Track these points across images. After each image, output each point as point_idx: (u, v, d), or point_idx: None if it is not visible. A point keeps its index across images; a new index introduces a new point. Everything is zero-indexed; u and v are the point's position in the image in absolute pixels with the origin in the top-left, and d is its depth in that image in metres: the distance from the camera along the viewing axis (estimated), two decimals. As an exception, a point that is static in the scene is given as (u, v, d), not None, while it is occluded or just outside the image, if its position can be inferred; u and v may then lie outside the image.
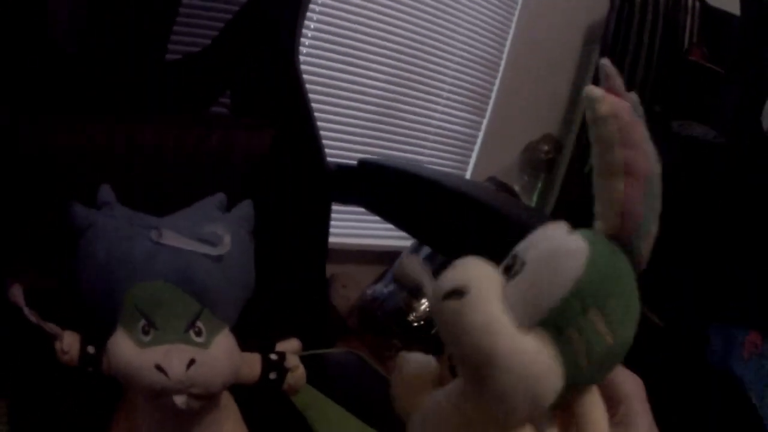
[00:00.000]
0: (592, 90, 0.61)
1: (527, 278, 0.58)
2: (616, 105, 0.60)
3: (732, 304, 2.66)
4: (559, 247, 0.58)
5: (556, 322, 0.55)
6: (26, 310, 0.95)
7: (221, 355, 0.91)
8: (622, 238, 0.60)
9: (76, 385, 1.00)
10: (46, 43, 1.28)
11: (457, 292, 0.55)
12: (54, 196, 1.08)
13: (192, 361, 0.85)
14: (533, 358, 0.54)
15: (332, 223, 1.66)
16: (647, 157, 0.61)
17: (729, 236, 2.85)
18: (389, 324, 3.00)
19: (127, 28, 1.38)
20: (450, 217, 1.20)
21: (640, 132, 0.61)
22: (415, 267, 0.65)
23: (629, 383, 0.63)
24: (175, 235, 0.97)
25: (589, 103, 0.61)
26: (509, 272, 0.59)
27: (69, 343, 0.92)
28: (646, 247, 0.61)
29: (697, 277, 2.74)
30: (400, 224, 1.56)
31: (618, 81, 0.63)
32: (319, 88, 3.12)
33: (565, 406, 0.60)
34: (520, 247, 0.61)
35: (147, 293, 0.91)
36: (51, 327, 0.94)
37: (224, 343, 0.93)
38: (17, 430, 1.00)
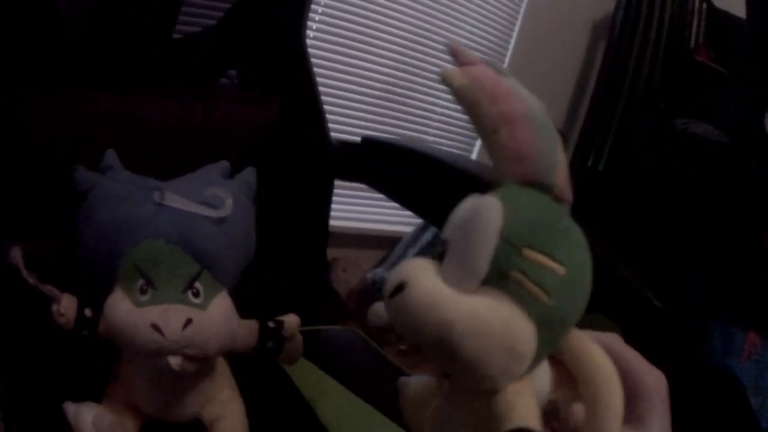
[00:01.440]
0: (445, 70, 0.62)
1: (454, 251, 0.58)
2: (473, 72, 0.61)
3: (732, 302, 2.65)
4: (473, 209, 0.58)
5: (498, 274, 0.55)
6: (25, 272, 0.94)
7: (218, 317, 0.90)
8: (530, 181, 0.60)
9: (72, 351, 1.00)
10: (54, 21, 1.29)
11: (398, 288, 0.56)
12: (58, 167, 1.07)
13: (189, 321, 0.85)
14: (490, 313, 0.54)
15: (334, 206, 1.66)
16: (521, 100, 0.60)
17: (731, 234, 2.85)
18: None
19: (135, 5, 1.39)
20: (455, 195, 1.19)
21: (506, 85, 0.61)
22: (380, 312, 0.65)
23: (651, 378, 0.61)
24: (177, 197, 0.96)
25: (446, 82, 0.62)
26: (442, 257, 0.59)
27: (66, 305, 0.91)
28: (561, 178, 0.61)
29: (700, 274, 2.73)
30: (403, 201, 1.55)
31: (468, 53, 0.64)
32: (325, 71, 3.11)
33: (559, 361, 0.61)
34: (444, 232, 0.61)
35: (146, 253, 0.91)
36: (49, 289, 0.93)
37: (222, 305, 0.93)
38: (11, 397, 0.99)
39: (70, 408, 0.90)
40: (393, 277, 0.59)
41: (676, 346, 1.09)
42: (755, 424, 2.22)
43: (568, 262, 0.56)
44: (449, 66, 0.63)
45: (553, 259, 0.55)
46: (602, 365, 0.59)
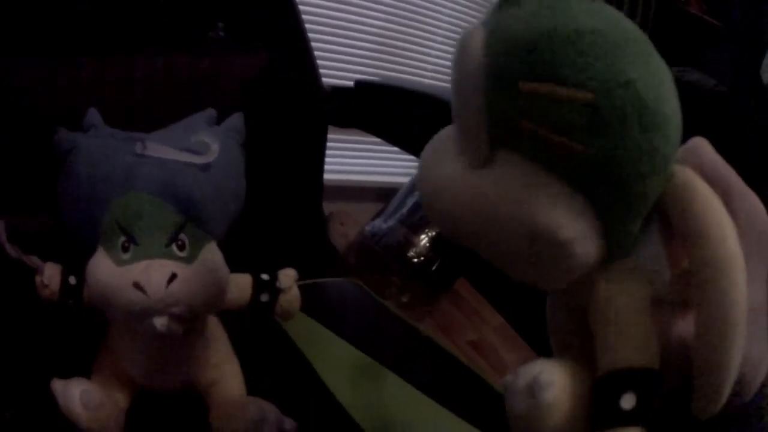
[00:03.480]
0: None
1: (454, 113, 0.47)
2: None
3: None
4: (456, 50, 0.45)
5: (506, 129, 0.42)
6: (7, 246, 0.90)
7: (206, 271, 0.84)
8: None
9: (59, 324, 0.97)
10: None
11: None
12: (42, 132, 1.02)
13: (173, 276, 0.80)
14: (495, 195, 0.43)
15: (329, 160, 1.62)
16: None
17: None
18: (388, 260, 2.95)
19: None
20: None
21: None
22: None
23: (747, 202, 0.47)
24: (159, 146, 0.91)
25: None
26: None
27: (50, 275, 0.87)
28: None
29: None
30: (400, 143, 1.51)
31: None
32: (317, 19, 3.06)
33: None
34: None
35: (126, 207, 0.86)
36: (32, 260, 0.89)
37: (210, 257, 0.87)
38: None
39: (58, 386, 0.84)
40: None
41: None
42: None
43: (593, 79, 0.39)
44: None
45: (565, 82, 0.39)
46: (713, 222, 0.42)
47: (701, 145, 0.50)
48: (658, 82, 0.42)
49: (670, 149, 0.43)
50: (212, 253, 0.88)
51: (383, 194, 3.42)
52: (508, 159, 0.42)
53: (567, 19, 0.41)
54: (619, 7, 2.24)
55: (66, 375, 0.86)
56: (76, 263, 0.88)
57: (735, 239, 0.42)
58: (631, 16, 2.87)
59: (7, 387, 0.93)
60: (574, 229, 0.42)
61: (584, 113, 0.39)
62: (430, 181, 0.47)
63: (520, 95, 0.40)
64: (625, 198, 0.42)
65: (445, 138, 0.48)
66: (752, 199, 0.47)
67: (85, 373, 0.90)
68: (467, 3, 3.60)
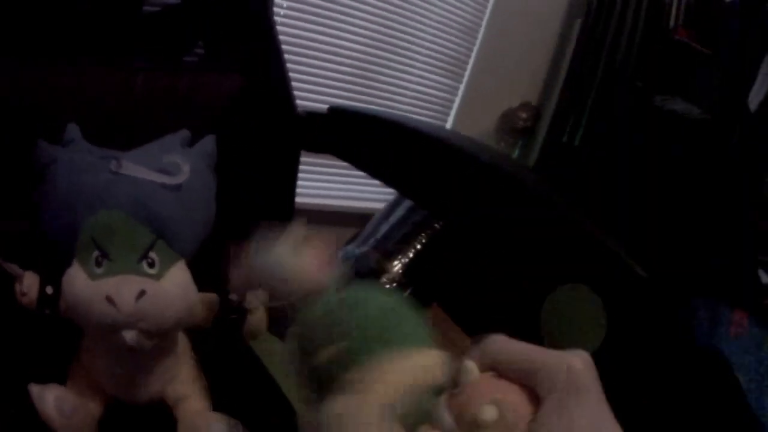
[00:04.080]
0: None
1: None
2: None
3: (717, 279, 2.66)
4: None
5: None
6: None
7: (174, 288, 0.87)
8: None
9: (34, 333, 0.98)
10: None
11: None
12: (21, 140, 1.04)
13: (142, 293, 0.82)
14: None
15: (304, 183, 1.65)
16: None
17: (712, 210, 2.86)
18: (361, 286, 2.96)
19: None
20: (427, 163, 1.16)
21: None
22: None
23: (553, 371, 0.50)
24: (133, 165, 0.93)
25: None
26: None
27: (28, 284, 0.89)
28: None
29: (682, 250, 2.74)
30: (372, 171, 1.53)
31: None
32: (294, 48, 3.07)
33: None
34: None
35: (101, 223, 0.88)
36: (12, 268, 0.91)
37: (178, 275, 0.89)
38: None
39: (34, 390, 0.87)
40: None
41: (659, 318, 1.07)
42: (743, 403, 2.21)
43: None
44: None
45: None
46: None
47: (494, 339, 0.54)
48: None
49: None
50: (181, 271, 0.90)
51: (357, 219, 3.42)
52: None
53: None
54: (604, 34, 2.27)
55: (43, 380, 0.88)
56: (52, 269, 0.90)
57: None
58: (616, 42, 2.92)
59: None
60: None
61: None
62: None
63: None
64: None
65: None
66: (551, 364, 0.51)
67: (62, 379, 0.92)
68: (448, 29, 3.62)
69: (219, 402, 0.99)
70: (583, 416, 0.48)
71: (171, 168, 0.95)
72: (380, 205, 3.36)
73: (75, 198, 0.92)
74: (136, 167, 0.93)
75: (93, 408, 0.92)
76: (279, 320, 1.07)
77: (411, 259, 2.99)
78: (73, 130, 1.07)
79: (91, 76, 1.31)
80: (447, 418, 0.51)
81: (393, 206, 3.23)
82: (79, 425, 0.87)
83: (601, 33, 3.77)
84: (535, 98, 4.25)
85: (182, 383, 0.98)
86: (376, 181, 3.53)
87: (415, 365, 0.56)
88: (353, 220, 3.44)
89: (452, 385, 0.53)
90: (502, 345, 0.54)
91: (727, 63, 3.27)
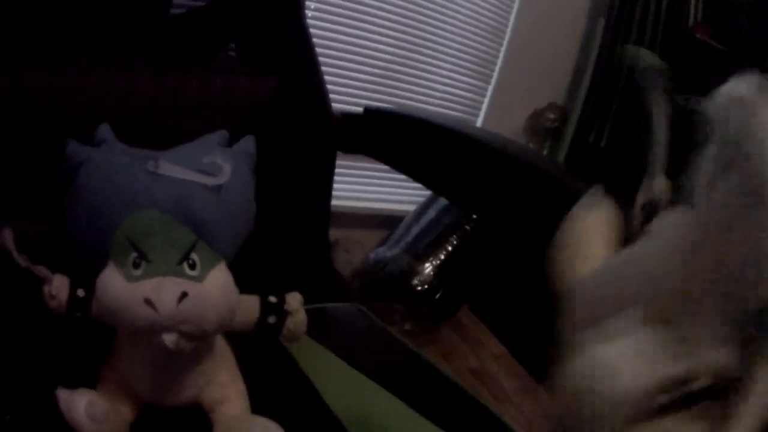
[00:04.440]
0: None
1: None
2: None
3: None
4: None
5: None
6: (15, 254, 0.91)
7: (216, 290, 0.85)
8: None
9: (65, 335, 0.97)
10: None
11: None
12: (50, 143, 1.03)
13: (184, 295, 0.80)
14: None
15: (336, 186, 1.63)
16: None
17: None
18: (392, 288, 2.96)
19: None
20: (460, 162, 1.15)
21: None
22: None
23: None
24: (172, 166, 0.92)
25: None
26: None
27: (58, 286, 0.87)
28: None
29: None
30: (408, 170, 1.52)
31: None
32: (326, 46, 3.06)
33: None
34: None
35: (139, 224, 0.86)
36: (41, 270, 0.89)
37: (220, 277, 0.87)
38: (3, 385, 0.95)
39: (63, 395, 0.85)
40: None
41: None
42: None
43: None
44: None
45: None
46: None
47: None
48: None
49: None
50: (222, 273, 0.88)
51: (388, 222, 3.42)
52: None
53: None
54: (628, 34, 2.26)
55: (70, 384, 0.86)
56: (82, 272, 0.89)
57: None
58: (639, 42, 2.90)
59: (10, 391, 0.93)
60: None
61: None
62: None
63: None
64: None
65: None
66: None
67: (88, 383, 0.90)
68: (475, 30, 3.61)
69: (256, 406, 0.98)
70: None
71: (211, 168, 0.94)
72: (411, 208, 3.35)
73: (109, 199, 0.91)
74: (175, 167, 0.92)
75: (125, 412, 0.91)
76: (317, 323, 1.06)
77: (442, 261, 2.98)
78: (105, 131, 1.06)
79: (121, 78, 1.30)
80: None
81: (424, 209, 3.22)
82: (110, 431, 0.85)
83: (624, 32, 3.76)
84: (562, 99, 4.24)
85: (220, 387, 0.96)
86: (407, 184, 3.55)
87: None
88: (385, 222, 3.43)
89: None
90: None
91: (741, 61, 3.26)
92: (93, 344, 0.96)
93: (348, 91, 3.22)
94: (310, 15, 2.90)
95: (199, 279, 0.84)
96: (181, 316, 0.79)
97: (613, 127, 3.88)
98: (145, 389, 0.92)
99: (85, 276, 0.89)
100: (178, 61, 1.41)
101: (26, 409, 0.91)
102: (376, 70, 3.29)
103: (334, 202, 1.66)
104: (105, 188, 0.92)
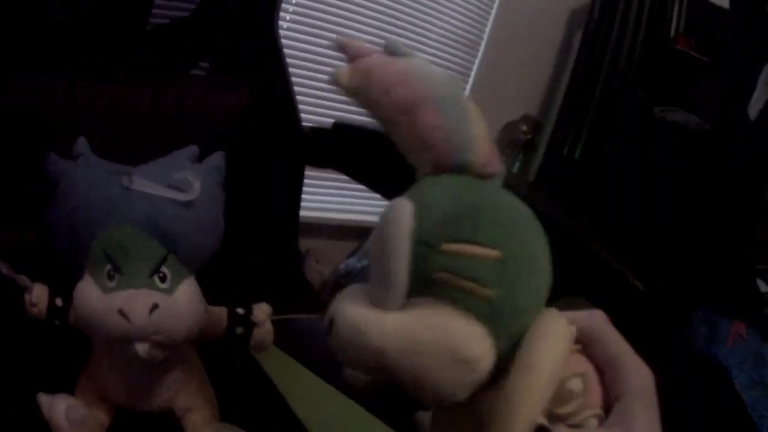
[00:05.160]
0: (335, 70, 0.61)
1: (373, 268, 0.55)
2: (362, 64, 0.60)
3: (718, 291, 2.66)
4: (381, 218, 0.55)
5: (422, 281, 0.52)
6: None
7: (185, 302, 0.88)
8: (444, 167, 0.58)
9: (42, 344, 1.00)
10: (36, 10, 1.29)
11: (329, 326, 0.55)
12: (31, 154, 1.05)
13: (155, 306, 0.83)
14: (416, 326, 0.51)
15: (307, 197, 1.66)
16: (420, 82, 0.58)
17: (713, 221, 2.86)
18: (362, 299, 2.97)
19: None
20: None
21: (401, 69, 0.59)
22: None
23: (636, 375, 0.54)
24: (144, 181, 0.94)
25: (336, 82, 0.62)
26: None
27: (38, 295, 0.91)
28: (479, 152, 0.57)
29: (682, 261, 2.74)
30: (376, 186, 1.54)
31: (355, 45, 0.62)
32: (295, 62, 3.08)
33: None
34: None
35: (113, 238, 0.89)
36: (22, 279, 0.94)
37: (189, 290, 0.91)
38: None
39: (44, 399, 0.90)
40: (327, 315, 0.57)
41: (657, 331, 1.08)
42: (743, 411, 2.22)
43: (501, 243, 0.52)
44: (340, 65, 0.61)
45: (480, 244, 0.51)
46: (541, 350, 0.51)
47: (596, 316, 0.57)
48: (540, 242, 0.55)
49: (545, 290, 0.55)
50: (191, 287, 0.91)
51: (359, 233, 3.43)
52: (421, 303, 0.52)
53: (483, 197, 0.55)
54: (606, 44, 2.30)
55: (47, 389, 0.91)
56: (61, 281, 0.92)
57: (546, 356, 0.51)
58: (617, 52, 2.94)
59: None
60: (481, 349, 0.51)
61: (492, 265, 0.51)
62: (350, 326, 0.53)
63: (442, 253, 0.51)
64: (515, 324, 0.52)
65: (354, 293, 0.57)
66: (637, 369, 0.55)
67: (66, 389, 0.94)
68: (448, 42, 3.64)
69: (225, 414, 1.00)
70: (646, 429, 0.52)
71: (182, 184, 0.97)
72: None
73: (86, 212, 0.93)
74: (148, 183, 0.94)
75: (101, 417, 0.94)
76: (285, 334, 1.09)
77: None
78: (82, 144, 1.08)
79: (97, 89, 1.33)
80: None
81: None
82: (87, 434, 0.89)
83: (602, 44, 3.78)
84: (536, 111, 4.26)
85: (190, 394, 0.99)
86: (378, 195, 3.56)
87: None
88: (355, 233, 3.44)
89: None
90: (603, 325, 0.57)
91: (726, 72, 3.28)
92: (71, 351, 0.99)
93: (321, 103, 3.24)
94: (284, 27, 2.93)
95: (169, 291, 0.88)
96: (152, 326, 0.83)
97: (587, 139, 3.90)
98: (120, 395, 0.96)
99: (66, 285, 0.91)
100: (154, 73, 1.44)
101: (8, 413, 0.94)
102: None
103: (304, 213, 1.68)
104: (81, 202, 0.94)
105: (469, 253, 0.51)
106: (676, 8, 3.80)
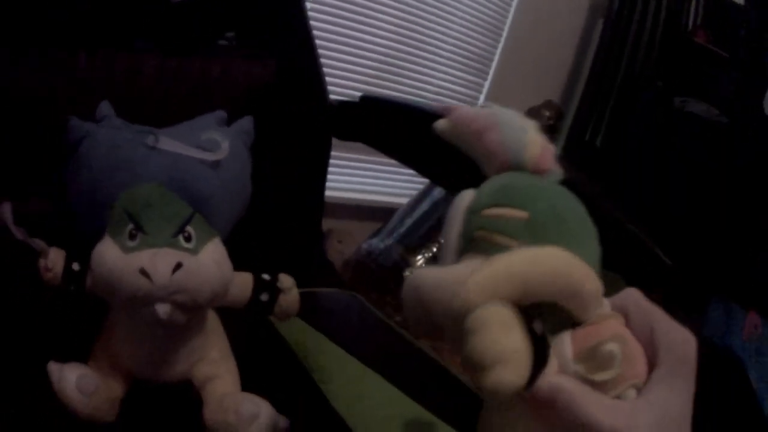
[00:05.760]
0: (435, 124, 0.77)
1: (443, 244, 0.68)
2: (454, 114, 0.75)
3: (734, 280, 2.66)
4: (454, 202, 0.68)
5: (466, 241, 0.63)
6: (13, 227, 0.92)
7: (211, 263, 0.85)
8: (506, 168, 0.69)
9: (58, 308, 0.97)
10: None
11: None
12: (51, 122, 1.04)
13: (179, 265, 0.80)
14: (447, 274, 0.60)
15: (329, 177, 1.64)
16: (489, 115, 0.72)
17: (730, 212, 2.86)
18: (384, 279, 2.96)
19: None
20: (456, 151, 1.15)
21: (478, 112, 0.73)
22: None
23: (667, 344, 0.55)
24: (171, 141, 0.92)
25: (439, 132, 0.77)
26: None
27: (53, 259, 0.88)
28: (532, 151, 0.69)
29: (698, 250, 2.73)
30: (403, 158, 1.52)
31: (449, 107, 0.77)
32: (318, 42, 3.06)
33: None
34: None
35: (136, 196, 0.86)
36: (37, 243, 0.90)
37: (215, 250, 0.87)
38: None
39: (54, 369, 0.85)
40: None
41: (684, 305, 1.06)
42: (756, 405, 2.20)
43: (531, 207, 0.60)
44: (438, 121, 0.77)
45: (511, 206, 0.61)
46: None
47: (630, 293, 0.60)
48: (572, 210, 0.63)
49: (580, 254, 0.58)
50: (217, 247, 0.88)
51: (382, 213, 3.42)
52: (465, 258, 0.63)
53: (523, 177, 0.67)
54: (626, 34, 2.28)
55: (60, 359, 0.87)
56: (79, 246, 0.89)
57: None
58: (637, 42, 2.93)
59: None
60: None
61: (521, 223, 0.59)
62: (411, 276, 0.65)
63: (482, 217, 0.62)
64: None
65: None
66: (675, 334, 0.56)
67: (79, 358, 0.90)
68: (473, 26, 3.62)
69: (247, 384, 0.98)
70: (681, 396, 0.53)
71: (209, 145, 0.95)
72: (404, 200, 3.36)
73: (108, 172, 0.91)
74: (174, 143, 0.92)
75: (115, 388, 0.91)
76: (308, 306, 1.06)
77: (435, 253, 2.98)
78: (106, 107, 1.06)
79: (122, 61, 1.31)
80: (568, 351, 0.56)
81: (417, 201, 3.23)
82: (100, 405, 0.86)
83: (623, 33, 3.78)
84: (558, 96, 4.25)
85: (211, 364, 0.96)
86: (401, 176, 3.55)
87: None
88: (378, 213, 3.44)
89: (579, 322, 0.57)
90: (637, 299, 0.59)
91: (741, 66, 3.27)
92: (85, 320, 0.96)
93: (344, 83, 3.23)
94: (308, 6, 2.92)
95: (194, 251, 0.84)
96: (175, 286, 0.79)
97: (608, 126, 3.90)
98: (137, 365, 0.92)
99: (80, 249, 0.89)
100: (179, 45, 1.41)
101: (16, 383, 0.92)
102: (372, 63, 3.31)
103: (327, 192, 1.66)
104: (105, 162, 0.92)
105: (501, 214, 0.61)
106: (693, 1, 3.79)
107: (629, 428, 0.50)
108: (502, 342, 0.50)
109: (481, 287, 0.53)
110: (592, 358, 0.54)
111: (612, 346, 0.54)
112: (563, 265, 0.56)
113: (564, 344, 0.56)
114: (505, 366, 0.50)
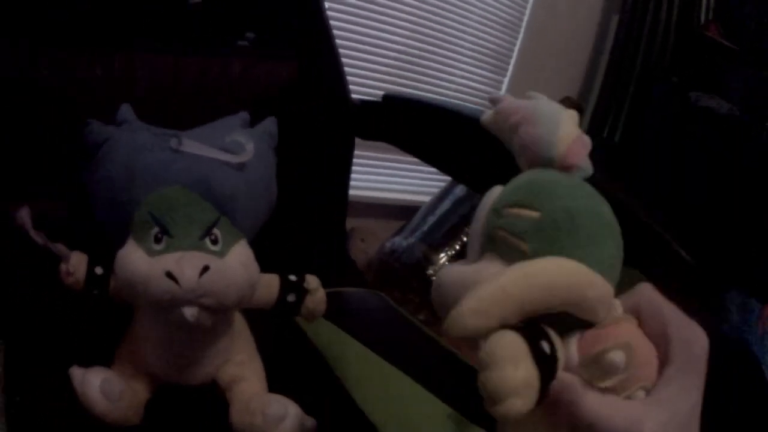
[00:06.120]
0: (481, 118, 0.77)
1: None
2: (499, 106, 0.75)
3: (750, 274, 2.65)
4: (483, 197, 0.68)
5: (489, 238, 0.63)
6: (33, 232, 0.92)
7: (237, 265, 0.85)
8: (536, 163, 0.69)
9: (81, 313, 0.98)
10: None
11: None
12: (75, 124, 1.03)
13: (206, 268, 0.79)
14: (464, 274, 0.63)
15: (352, 176, 1.63)
16: (528, 106, 0.72)
17: (745, 207, 2.86)
18: (407, 277, 2.95)
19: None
20: (478, 149, 1.16)
21: (519, 103, 0.73)
22: None
23: (678, 343, 0.55)
24: (195, 143, 0.92)
25: (485, 125, 0.77)
26: None
27: (75, 263, 0.89)
28: (562, 147, 0.68)
29: (715, 243, 2.72)
30: (426, 157, 1.52)
31: (498, 96, 0.77)
32: (338, 42, 3.06)
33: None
34: None
35: (162, 199, 0.86)
36: (59, 248, 0.90)
37: (242, 253, 0.87)
38: (14, 366, 0.96)
39: (77, 373, 0.84)
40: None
41: (702, 302, 1.06)
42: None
43: (545, 206, 0.60)
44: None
45: (528, 207, 0.61)
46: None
47: (643, 289, 0.59)
48: (591, 210, 0.61)
49: (592, 258, 0.58)
50: (244, 249, 0.88)
51: (404, 212, 3.42)
52: (486, 257, 0.63)
53: (546, 175, 0.66)
54: (641, 30, 2.28)
55: (84, 364, 0.86)
56: (101, 250, 0.89)
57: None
58: (652, 38, 2.92)
59: (22, 371, 0.94)
60: None
61: (531, 223, 0.59)
62: (444, 279, 0.65)
63: (502, 216, 0.62)
64: None
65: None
66: (686, 332, 0.55)
67: (103, 363, 0.90)
68: (491, 23, 3.61)
69: (273, 385, 0.98)
70: (690, 394, 0.53)
71: (234, 147, 0.94)
72: (426, 198, 3.35)
73: (131, 176, 0.90)
74: (198, 145, 0.92)
75: (140, 391, 0.91)
76: (333, 306, 1.06)
77: (457, 251, 2.98)
78: (126, 111, 1.05)
79: (139, 61, 1.30)
80: (574, 357, 0.56)
81: (439, 199, 3.22)
82: (125, 409, 0.85)
83: (637, 29, 3.77)
84: (576, 93, 4.25)
85: (237, 365, 0.96)
86: (423, 174, 3.55)
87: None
88: (400, 212, 3.44)
89: (587, 325, 0.57)
90: (649, 296, 0.58)
91: (753, 61, 3.27)
92: (108, 324, 0.96)
93: (364, 82, 3.22)
94: (327, 6, 2.92)
95: (221, 254, 0.84)
96: (202, 289, 0.79)
97: (626, 123, 3.91)
98: (161, 368, 0.92)
99: (104, 257, 0.89)
100: (198, 46, 1.41)
101: (38, 389, 0.92)
102: (392, 62, 3.31)
103: (350, 191, 1.66)
104: (127, 166, 0.91)
105: (517, 213, 0.61)
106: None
107: (638, 427, 0.51)
108: (511, 377, 0.50)
109: (475, 312, 0.53)
110: (596, 365, 0.54)
111: (615, 355, 0.53)
112: (561, 276, 0.56)
113: (571, 349, 0.57)
114: (516, 398, 0.50)
